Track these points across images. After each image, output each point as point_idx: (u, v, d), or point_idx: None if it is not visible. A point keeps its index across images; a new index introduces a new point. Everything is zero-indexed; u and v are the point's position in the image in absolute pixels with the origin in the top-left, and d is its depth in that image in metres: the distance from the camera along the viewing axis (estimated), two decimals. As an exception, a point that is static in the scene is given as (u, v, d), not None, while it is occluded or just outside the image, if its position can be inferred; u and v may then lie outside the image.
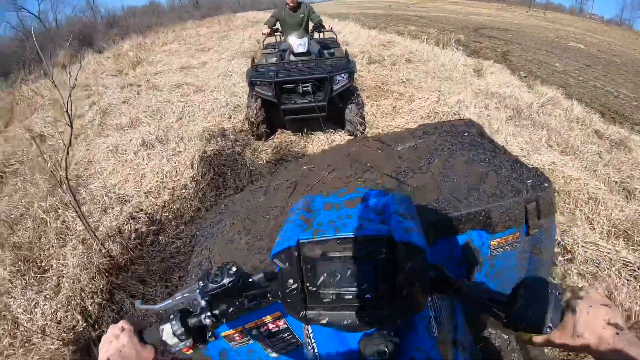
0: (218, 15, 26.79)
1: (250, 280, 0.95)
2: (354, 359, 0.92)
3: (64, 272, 3.09)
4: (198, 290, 0.91)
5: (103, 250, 3.12)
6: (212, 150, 4.74)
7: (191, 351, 0.93)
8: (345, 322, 0.84)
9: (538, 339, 0.75)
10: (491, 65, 8.59)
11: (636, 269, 2.78)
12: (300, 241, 0.81)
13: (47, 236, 3.47)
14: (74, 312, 2.81)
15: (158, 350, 0.92)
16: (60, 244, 3.38)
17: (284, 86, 4.83)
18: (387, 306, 0.81)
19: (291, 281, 0.83)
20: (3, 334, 2.70)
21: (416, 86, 7.01)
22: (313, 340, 1.02)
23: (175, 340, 0.89)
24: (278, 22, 5.92)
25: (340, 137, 5.25)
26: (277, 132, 5.54)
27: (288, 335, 1.38)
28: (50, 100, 6.32)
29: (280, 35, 6.27)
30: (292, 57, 5.33)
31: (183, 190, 4.03)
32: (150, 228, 3.50)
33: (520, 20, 21.04)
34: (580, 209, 3.50)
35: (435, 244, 1.34)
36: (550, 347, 1.18)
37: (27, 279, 3.07)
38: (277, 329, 1.35)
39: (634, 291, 2.58)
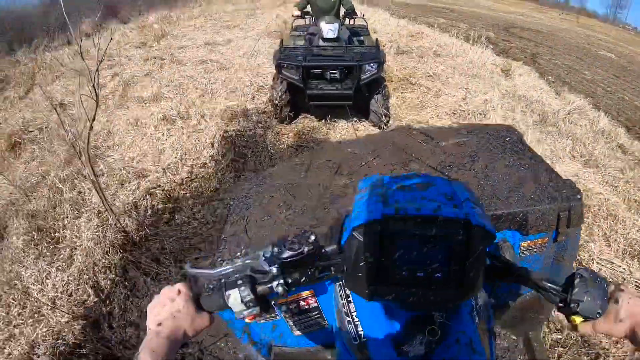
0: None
1: (323, 250, 0.94)
2: (399, 339, 0.95)
3: (78, 244, 3.01)
4: (264, 258, 0.89)
5: (118, 225, 3.03)
6: (233, 130, 4.61)
7: (254, 320, 0.91)
8: (410, 299, 0.84)
9: (585, 325, 0.84)
10: (520, 67, 8.40)
11: None
12: (385, 215, 0.81)
13: (62, 206, 3.39)
14: (86, 285, 2.74)
15: (213, 319, 0.89)
16: (75, 215, 3.30)
17: (311, 71, 4.73)
18: (453, 287, 0.83)
19: (367, 254, 0.82)
20: (13, 303, 2.64)
21: (443, 81, 6.86)
22: (356, 320, 1.03)
23: (242, 307, 0.86)
24: (309, 4, 5.78)
25: (364, 127, 5.10)
26: (301, 117, 5.41)
27: (316, 314, 1.40)
28: (72, 69, 6.24)
29: (310, 19, 6.13)
30: (321, 42, 5.21)
31: (202, 169, 3.92)
32: (167, 206, 3.41)
33: (552, 23, 20.40)
34: (598, 225, 3.45)
35: None
36: (589, 335, 1.27)
37: (40, 248, 3.00)
38: (307, 307, 1.37)
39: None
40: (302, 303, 1.36)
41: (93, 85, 2.74)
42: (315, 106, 5.08)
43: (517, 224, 1.44)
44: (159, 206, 3.37)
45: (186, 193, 3.60)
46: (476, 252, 0.80)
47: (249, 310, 0.87)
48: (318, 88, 4.80)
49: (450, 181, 0.95)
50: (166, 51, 7.85)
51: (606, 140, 5.51)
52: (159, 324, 0.80)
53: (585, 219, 3.39)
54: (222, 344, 2.32)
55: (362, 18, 6.02)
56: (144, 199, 3.42)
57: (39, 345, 2.40)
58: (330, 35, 5.14)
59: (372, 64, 4.66)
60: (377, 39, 5.19)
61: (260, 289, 0.87)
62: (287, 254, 0.88)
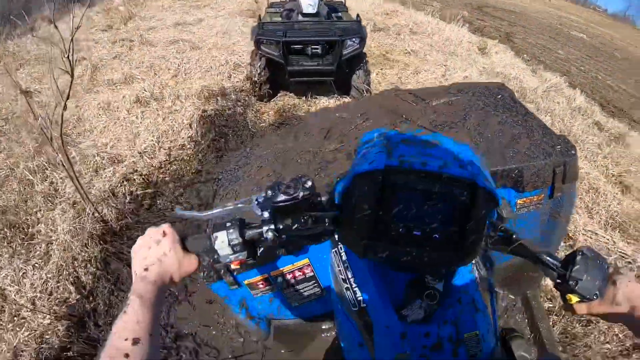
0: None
1: (319, 199, 0.88)
2: (399, 304, 0.93)
3: (54, 238, 2.78)
4: (256, 202, 0.85)
5: (96, 215, 2.80)
6: (212, 109, 4.35)
7: (239, 266, 0.90)
8: (405, 258, 0.80)
9: (580, 306, 0.81)
10: (495, 45, 8.42)
11: (631, 261, 2.85)
12: (387, 166, 0.77)
13: (34, 199, 3.13)
14: (66, 282, 2.53)
15: (202, 261, 0.85)
16: (49, 207, 3.05)
17: (292, 47, 4.53)
18: (451, 249, 0.79)
19: (366, 206, 0.77)
20: (-10, 307, 2.41)
21: (421, 58, 6.80)
22: (354, 285, 1.00)
23: (229, 250, 0.82)
24: None
25: (345, 103, 4.89)
26: (280, 94, 5.21)
27: (313, 284, 1.36)
28: (43, 51, 5.79)
29: None
30: (300, 17, 5.02)
31: (180, 151, 3.68)
32: (147, 191, 3.17)
33: (524, 3, 20.31)
34: (581, 198, 3.53)
35: None
36: (586, 315, 1.16)
37: (13, 246, 2.76)
38: (302, 276, 1.33)
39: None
40: (297, 273, 1.32)
41: (67, 57, 2.43)
42: (296, 82, 4.90)
43: (512, 180, 1.41)
44: (138, 192, 3.14)
45: (165, 177, 3.37)
46: (479, 216, 0.76)
47: (236, 254, 0.83)
48: (299, 64, 4.62)
49: (459, 142, 0.89)
50: (135, 33, 7.39)
51: (583, 117, 5.60)
52: (146, 269, 0.76)
53: (576, 194, 3.59)
54: (216, 332, 2.16)
55: None
56: (121, 186, 3.19)
57: (22, 352, 2.21)
58: (310, 10, 4.96)
59: (354, 39, 4.51)
60: (358, 14, 5.01)
61: (249, 233, 0.83)
62: (281, 197, 0.82)
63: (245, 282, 1.33)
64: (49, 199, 3.13)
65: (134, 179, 3.28)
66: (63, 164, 2.66)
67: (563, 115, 5.32)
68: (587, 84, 7.49)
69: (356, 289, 1.00)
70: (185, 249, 0.83)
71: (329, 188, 1.07)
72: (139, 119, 4.15)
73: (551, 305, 2.36)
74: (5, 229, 2.85)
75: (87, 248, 2.67)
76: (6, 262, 2.62)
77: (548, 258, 0.83)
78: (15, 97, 4.48)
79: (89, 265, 2.60)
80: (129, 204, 3.03)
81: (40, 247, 2.74)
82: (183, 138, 3.83)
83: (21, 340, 2.24)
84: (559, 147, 1.49)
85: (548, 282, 2.51)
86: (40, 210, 3.03)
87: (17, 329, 2.31)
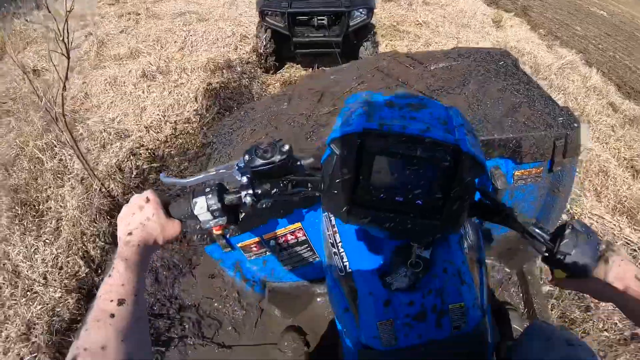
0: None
1: (298, 163, 0.87)
2: (385, 271, 0.92)
3: (63, 214, 2.77)
4: (237, 168, 0.84)
5: (103, 190, 2.77)
6: (217, 82, 4.23)
7: (220, 231, 0.88)
8: (387, 224, 0.78)
9: (569, 281, 0.77)
10: (511, 19, 7.92)
11: (637, 249, 2.73)
12: (365, 129, 0.73)
13: (44, 176, 3.11)
14: (76, 257, 2.53)
15: (185, 226, 0.85)
16: (58, 184, 3.03)
17: (297, 18, 4.33)
18: (433, 217, 0.76)
19: (345, 170, 0.75)
20: (3, 283, 2.43)
21: (433, 30, 6.46)
22: (342, 250, 0.99)
23: (208, 216, 0.81)
24: None
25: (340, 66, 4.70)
26: (286, 66, 5.05)
27: (306, 248, 1.36)
28: (43, 32, 5.71)
29: None
30: None
31: (186, 125, 3.60)
32: (152, 165, 3.12)
33: None
34: (589, 180, 3.34)
35: None
36: (574, 290, 1.16)
37: (25, 223, 2.76)
38: (295, 240, 1.33)
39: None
40: (289, 237, 1.31)
41: (62, 39, 2.35)
42: (301, 54, 4.71)
43: (510, 150, 1.35)
44: (145, 166, 3.09)
45: (171, 150, 3.31)
46: (462, 182, 0.73)
47: (215, 220, 0.81)
48: (305, 35, 4.42)
49: (447, 107, 0.85)
50: (141, 6, 7.20)
51: (597, 97, 5.27)
52: (129, 234, 0.76)
53: (577, 174, 3.44)
54: (220, 305, 2.13)
55: None
56: (128, 160, 3.14)
57: (35, 325, 2.22)
58: None
59: (361, 9, 4.27)
60: None
61: (228, 198, 0.82)
62: (257, 162, 0.80)
63: (239, 244, 1.32)
64: (59, 175, 3.11)
65: (140, 154, 3.24)
66: (69, 143, 2.61)
67: (577, 93, 5.04)
68: (604, 63, 6.97)
69: (343, 254, 0.99)
70: (168, 214, 0.82)
71: (317, 153, 1.03)
72: (145, 94, 4.06)
73: (551, 289, 2.25)
74: (17, 207, 2.85)
75: (96, 223, 2.66)
76: (18, 239, 2.63)
77: (536, 230, 0.79)
78: (23, 77, 4.42)
79: (97, 239, 2.59)
80: (134, 178, 2.99)
81: (50, 224, 2.74)
82: (189, 112, 3.75)
83: (34, 314, 2.26)
84: (562, 119, 1.41)
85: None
86: (50, 188, 3.01)
87: (30, 303, 2.32)
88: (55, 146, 3.37)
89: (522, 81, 1.65)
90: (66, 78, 2.49)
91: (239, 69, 4.66)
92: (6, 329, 2.21)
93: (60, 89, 2.50)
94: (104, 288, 0.67)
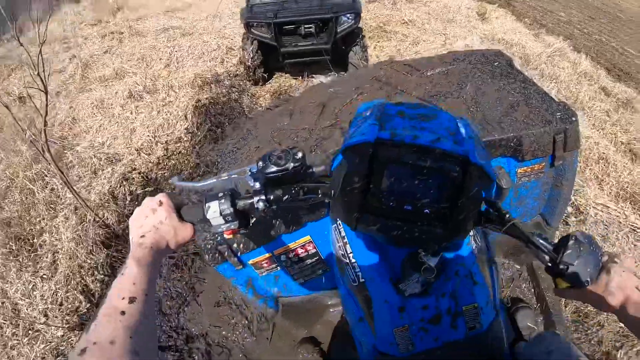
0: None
1: (310, 170, 0.87)
2: (398, 278, 0.91)
3: (59, 247, 2.66)
4: (250, 173, 0.84)
5: (98, 220, 2.66)
6: (206, 98, 4.12)
7: (231, 235, 0.86)
8: (395, 232, 0.77)
9: (572, 291, 0.77)
10: (495, 10, 7.87)
11: None
12: (378, 139, 0.73)
13: (37, 208, 2.99)
14: (75, 292, 2.43)
15: (197, 229, 0.85)
16: (52, 215, 2.92)
17: (284, 27, 4.18)
18: (441, 226, 0.76)
19: (356, 179, 0.75)
20: (4, 322, 2.33)
21: (419, 28, 6.40)
22: (354, 261, 0.99)
23: (221, 220, 0.80)
24: None
25: (339, 78, 4.61)
26: (275, 76, 4.93)
27: (316, 260, 1.35)
28: (21, 60, 5.56)
29: None
30: None
31: (178, 144, 3.50)
32: (146, 189, 3.01)
33: None
34: (590, 169, 3.29)
35: None
36: (576, 300, 1.11)
37: (20, 259, 2.65)
38: (305, 254, 1.32)
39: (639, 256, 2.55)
40: (300, 250, 1.31)
41: (38, 74, 2.24)
42: (290, 64, 4.59)
43: (511, 149, 1.36)
44: (138, 191, 2.98)
45: (165, 173, 3.20)
46: (470, 192, 0.73)
47: (227, 224, 0.81)
48: (292, 45, 4.30)
49: (457, 118, 0.85)
50: (124, 24, 7.07)
51: (589, 82, 5.24)
52: (142, 236, 0.76)
53: (578, 161, 3.41)
54: (228, 332, 2.04)
55: None
56: (120, 186, 3.03)
57: (39, 366, 2.12)
58: None
59: (348, 15, 4.15)
60: None
61: (240, 203, 0.81)
62: (271, 168, 0.80)
63: (250, 261, 1.32)
64: (51, 206, 2.99)
65: (133, 178, 3.13)
66: (58, 175, 2.51)
67: (569, 81, 5.00)
68: (591, 47, 6.98)
69: (355, 264, 0.99)
70: (181, 217, 0.82)
71: (328, 161, 1.02)
72: (133, 114, 3.95)
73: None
74: (11, 243, 2.73)
75: (93, 255, 2.55)
76: (15, 276, 2.52)
77: (540, 240, 0.78)
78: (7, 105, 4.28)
79: (95, 272, 2.49)
80: (129, 203, 2.88)
81: (46, 257, 2.63)
82: (179, 130, 3.64)
83: (37, 354, 2.17)
84: (559, 114, 1.41)
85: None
86: (43, 219, 2.90)
87: (33, 342, 2.23)
88: (46, 175, 3.25)
89: (518, 80, 1.64)
90: (46, 114, 2.39)
91: (227, 83, 4.56)
92: (11, 371, 2.12)
93: (42, 124, 2.39)
94: (115, 286, 0.67)
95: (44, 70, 2.29)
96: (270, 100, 4.35)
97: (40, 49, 2.32)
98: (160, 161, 3.33)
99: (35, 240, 2.76)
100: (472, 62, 1.80)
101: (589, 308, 2.15)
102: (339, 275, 1.08)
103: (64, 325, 2.26)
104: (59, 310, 2.35)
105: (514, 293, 2.00)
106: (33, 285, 2.47)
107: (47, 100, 2.39)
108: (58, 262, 2.57)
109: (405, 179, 0.74)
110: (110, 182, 3.06)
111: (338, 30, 4.16)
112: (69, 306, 2.37)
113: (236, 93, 4.40)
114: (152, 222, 0.78)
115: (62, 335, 2.24)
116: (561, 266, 0.74)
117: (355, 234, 1.01)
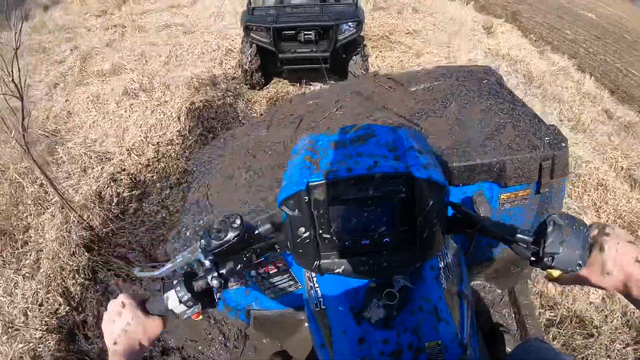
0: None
1: (255, 232, 0.83)
2: (360, 301, 0.89)
3: (43, 245, 2.63)
4: (200, 250, 0.78)
5: (82, 222, 2.62)
6: (201, 101, 4.07)
7: (201, 317, 0.81)
8: (362, 268, 0.75)
9: (565, 277, 0.69)
10: (501, 25, 7.71)
11: None
12: (310, 184, 0.69)
13: (25, 202, 2.95)
14: (55, 293, 2.40)
15: (166, 320, 0.81)
16: (39, 211, 2.88)
17: (283, 33, 4.09)
18: (407, 249, 0.73)
19: (302, 229, 0.72)
20: (-15, 318, 2.29)
21: (424, 38, 6.27)
22: (317, 285, 0.96)
23: (183, 307, 0.76)
24: None
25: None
26: (273, 82, 4.85)
27: (287, 277, 1.30)
28: (28, 45, 5.46)
29: None
30: (292, 1, 4.50)
31: (169, 147, 3.46)
32: (133, 192, 2.98)
33: None
34: (588, 195, 3.20)
35: None
36: (565, 287, 1.09)
37: (4, 255, 2.60)
38: (275, 270, 1.27)
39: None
40: (270, 267, 1.24)
41: (12, 80, 2.15)
42: (289, 70, 4.50)
43: (494, 175, 1.27)
44: (125, 194, 2.94)
45: (153, 176, 3.16)
46: (425, 208, 0.68)
47: (191, 309, 0.76)
48: (291, 51, 4.20)
49: (396, 128, 0.83)
50: (128, 18, 6.98)
51: (592, 103, 5.13)
52: (114, 343, 0.75)
53: (575, 189, 3.24)
54: (204, 347, 2.02)
55: None
56: (108, 187, 2.99)
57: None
58: None
59: (350, 23, 4.06)
60: None
61: (197, 285, 0.76)
62: (213, 244, 0.76)
63: None
64: (39, 202, 2.96)
65: (122, 179, 3.09)
66: (45, 175, 2.47)
67: (572, 102, 4.88)
68: (596, 67, 6.86)
69: (318, 289, 0.96)
70: (147, 312, 0.79)
71: (275, 215, 1.03)
72: (127, 113, 3.90)
73: (552, 315, 2.17)
74: (-3, 236, 2.69)
75: (75, 257, 2.52)
76: (-2, 272, 2.48)
77: (518, 235, 0.72)
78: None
79: (76, 275, 2.46)
80: (115, 206, 2.85)
81: (30, 255, 2.60)
82: (172, 132, 3.60)
83: (16, 353, 2.13)
84: (548, 138, 1.31)
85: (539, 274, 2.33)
86: (30, 215, 2.86)
87: (12, 340, 2.19)
88: (35, 170, 3.20)
89: (507, 100, 1.55)
90: (23, 118, 2.32)
91: (223, 86, 4.51)
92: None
93: (21, 131, 2.33)
94: None
95: (19, 77, 2.21)
96: (266, 107, 4.30)
97: (15, 54, 2.22)
98: (150, 163, 3.29)
99: (20, 237, 2.73)
100: (459, 78, 1.70)
101: (576, 341, 2.12)
102: (306, 296, 1.04)
103: (43, 327, 2.23)
104: (39, 310, 2.33)
105: (494, 318, 1.96)
106: (15, 283, 2.43)
107: (22, 108, 2.31)
108: (41, 261, 2.54)
109: (351, 215, 0.71)
110: (98, 181, 3.03)
111: (339, 39, 4.09)
112: (49, 307, 2.34)
113: (231, 97, 4.34)
114: (120, 327, 0.76)
115: (40, 337, 2.21)
116: (545, 259, 0.67)
117: None
